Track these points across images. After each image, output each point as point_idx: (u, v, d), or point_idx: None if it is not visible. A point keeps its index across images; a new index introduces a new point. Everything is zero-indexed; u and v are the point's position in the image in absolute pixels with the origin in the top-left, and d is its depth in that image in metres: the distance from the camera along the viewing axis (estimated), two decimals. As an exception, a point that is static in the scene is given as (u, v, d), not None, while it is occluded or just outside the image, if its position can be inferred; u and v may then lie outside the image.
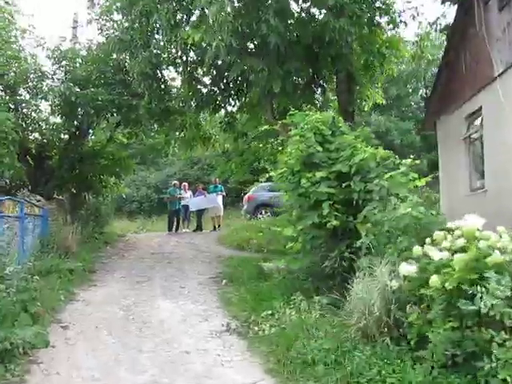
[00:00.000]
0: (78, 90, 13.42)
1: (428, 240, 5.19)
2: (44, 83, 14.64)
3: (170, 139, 17.18)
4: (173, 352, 6.06)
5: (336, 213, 7.10)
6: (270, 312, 7.15)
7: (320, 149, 7.46)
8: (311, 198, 7.34)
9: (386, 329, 5.18)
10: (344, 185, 7.26)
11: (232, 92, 13.17)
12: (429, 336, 4.56)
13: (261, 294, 8.47)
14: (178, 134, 15.85)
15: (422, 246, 5.18)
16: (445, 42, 14.78)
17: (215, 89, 13.37)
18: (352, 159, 7.24)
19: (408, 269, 4.82)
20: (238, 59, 9.78)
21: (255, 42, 9.84)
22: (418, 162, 6.13)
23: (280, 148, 11.69)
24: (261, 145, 13.88)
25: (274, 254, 11.95)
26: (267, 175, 10.44)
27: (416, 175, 6.54)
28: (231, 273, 10.78)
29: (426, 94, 36.67)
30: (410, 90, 35.80)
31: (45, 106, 16.65)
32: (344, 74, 11.96)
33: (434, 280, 4.41)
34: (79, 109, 13.72)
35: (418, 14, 12.97)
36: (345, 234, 7.38)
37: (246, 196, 20.78)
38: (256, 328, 6.76)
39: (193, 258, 13.69)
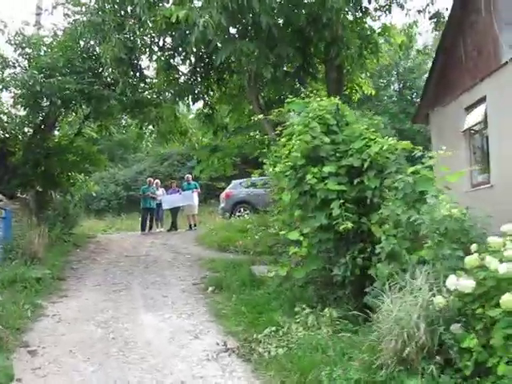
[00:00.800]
0: (44, 79, 12.18)
1: (473, 247, 4.33)
2: (5, 72, 13.37)
3: (142, 133, 16.04)
4: (165, 382, 5.08)
5: (347, 213, 6.18)
6: (273, 328, 6.19)
7: (327, 140, 6.54)
8: (318, 196, 6.41)
9: (428, 354, 4.29)
10: (356, 181, 6.36)
11: (212, 81, 12.16)
12: (491, 366, 3.71)
13: (257, 304, 7.53)
14: (152, 127, 14.69)
15: (468, 253, 4.34)
16: (434, 32, 14.11)
17: (194, 77, 12.34)
18: (365, 152, 6.34)
19: (464, 283, 3.93)
20: (227, 40, 8.78)
21: (245, 22, 8.84)
22: (450, 153, 5.24)
23: (266, 142, 10.72)
24: (245, 138, 12.85)
25: (262, 256, 11.06)
26: (260, 171, 9.38)
27: (447, 169, 5.67)
28: (217, 278, 9.79)
29: (400, 88, 36.47)
30: (383, 85, 35.44)
31: (6, 98, 15.43)
32: (334, 62, 11.07)
33: (508, 299, 3.54)
34: (45, 99, 12.48)
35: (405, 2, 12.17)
36: (356, 236, 6.49)
37: (224, 193, 19.72)
38: (259, 349, 5.80)
39: (171, 260, 12.66)
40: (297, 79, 11.01)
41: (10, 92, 13.73)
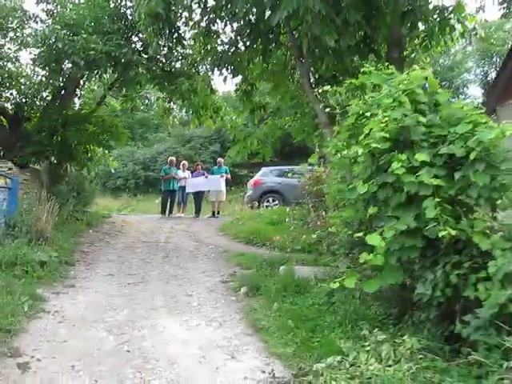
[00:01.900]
0: (67, 36, 10.79)
1: None
2: (26, 30, 12.01)
3: (170, 108, 14.58)
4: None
5: (445, 215, 4.70)
6: (338, 358, 4.74)
7: (423, 120, 5.05)
8: (404, 190, 4.93)
9: None
10: (459, 175, 4.86)
11: (257, 52, 10.66)
12: None
13: (306, 318, 6.08)
14: (182, 101, 13.20)
15: None
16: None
17: (236, 47, 10.85)
18: (472, 138, 4.83)
19: None
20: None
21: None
22: None
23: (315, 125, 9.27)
24: (290, 119, 11.32)
25: (299, 255, 9.64)
26: (314, 155, 7.89)
27: None
28: (250, 277, 8.34)
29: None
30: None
31: (25, 59, 14.13)
32: (399, 38, 9.52)
33: None
34: (67, 60, 11.07)
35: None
36: (449, 247, 5.00)
37: (252, 181, 18.24)
38: (322, 386, 4.37)
39: (194, 251, 11.26)
40: (357, 54, 9.49)
41: (30, 53, 12.49)
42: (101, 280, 7.97)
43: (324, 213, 10.25)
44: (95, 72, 11.64)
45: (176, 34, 9.88)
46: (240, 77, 12.09)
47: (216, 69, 11.11)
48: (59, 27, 10.76)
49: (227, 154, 10.09)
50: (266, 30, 10.20)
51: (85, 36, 10.74)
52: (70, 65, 11.34)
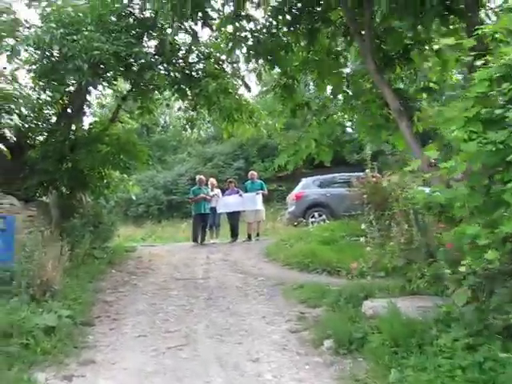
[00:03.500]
0: (65, 36, 8.75)
1: None
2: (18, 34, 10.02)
3: (192, 118, 12.42)
4: None
5: None
6: None
7: None
8: None
9: None
10: None
11: (301, 32, 8.53)
12: None
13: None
14: (208, 107, 11.03)
15: None
16: None
17: (272, 32, 8.76)
18: None
19: None
20: None
21: None
22: None
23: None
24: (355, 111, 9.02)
25: (375, 281, 7.38)
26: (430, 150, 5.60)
27: None
28: (329, 322, 6.11)
29: None
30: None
31: (24, 78, 12.23)
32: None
33: None
34: (67, 65, 8.98)
35: None
36: None
37: (293, 194, 15.94)
38: None
39: (242, 286, 9.07)
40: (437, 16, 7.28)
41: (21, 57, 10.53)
42: (130, 346, 5.77)
43: (406, 226, 7.95)
44: (103, 77, 9.56)
45: (201, 14, 7.73)
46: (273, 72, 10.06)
47: (250, 61, 9.05)
48: (54, 26, 8.74)
49: (275, 163, 7.86)
50: (311, 3, 8.14)
51: (86, 33, 8.68)
52: (72, 71, 9.15)
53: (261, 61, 9.14)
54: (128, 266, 11.09)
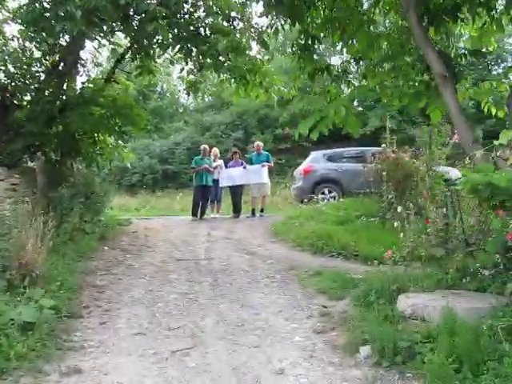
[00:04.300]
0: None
1: None
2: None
3: (199, 80, 11.21)
4: None
5: None
6: None
7: None
8: None
9: None
10: None
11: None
12: None
13: None
14: (215, 67, 9.77)
15: None
16: None
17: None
18: None
19: None
20: None
21: None
22: None
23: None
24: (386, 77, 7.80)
25: (401, 270, 6.36)
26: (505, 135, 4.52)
27: None
28: (360, 321, 5.12)
29: None
30: None
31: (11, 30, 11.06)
32: None
33: None
34: (57, 12, 7.76)
35: None
36: None
37: (301, 168, 14.75)
38: None
39: (250, 270, 8.05)
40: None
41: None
42: (125, 348, 4.74)
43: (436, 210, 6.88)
44: (98, 29, 8.35)
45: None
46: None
47: (269, 14, 7.88)
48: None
49: (296, 130, 6.73)
50: None
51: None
52: (61, 19, 7.90)
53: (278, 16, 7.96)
54: (122, 242, 10.03)
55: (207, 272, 7.86)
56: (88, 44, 10.59)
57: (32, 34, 9.07)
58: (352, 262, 8.64)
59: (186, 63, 10.67)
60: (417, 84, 7.18)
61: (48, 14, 7.86)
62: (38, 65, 10.49)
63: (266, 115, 29.66)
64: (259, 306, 6.15)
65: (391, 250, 6.35)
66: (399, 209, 6.83)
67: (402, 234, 6.78)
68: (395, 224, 6.85)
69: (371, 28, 7.97)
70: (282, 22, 8.33)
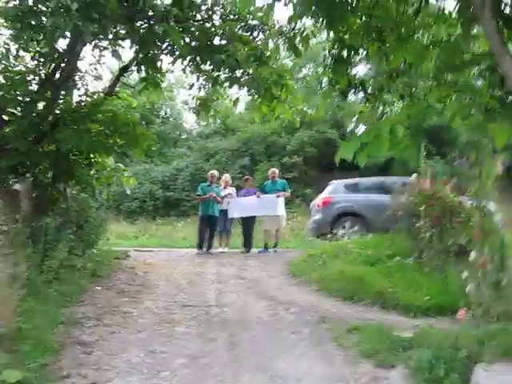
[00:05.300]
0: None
1: None
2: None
3: (211, 98, 9.91)
4: None
5: None
6: None
7: None
8: None
9: None
10: None
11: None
12: None
13: None
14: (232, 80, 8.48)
15: None
16: None
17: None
18: None
19: None
20: None
21: None
22: None
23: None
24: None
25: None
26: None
27: None
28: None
29: None
30: None
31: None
32: None
33: None
34: (47, 4, 6.46)
35: None
36: None
37: (320, 200, 13.32)
38: None
39: (272, 322, 6.60)
40: None
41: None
42: None
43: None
44: (97, 33, 7.06)
45: None
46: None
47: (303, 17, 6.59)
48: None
49: (339, 154, 5.36)
50: None
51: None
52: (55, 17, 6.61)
53: (311, 21, 6.68)
54: (118, 280, 8.57)
55: (220, 324, 6.41)
56: (88, 55, 9.42)
57: (15, 32, 7.74)
58: (391, 312, 7.25)
59: (198, 78, 9.42)
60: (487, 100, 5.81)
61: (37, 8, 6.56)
62: (31, 76, 9.27)
63: (273, 142, 28.51)
64: (292, 379, 4.71)
65: (463, 309, 4.93)
66: (472, 255, 5.39)
67: (469, 286, 5.37)
68: (463, 275, 5.42)
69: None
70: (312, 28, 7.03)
